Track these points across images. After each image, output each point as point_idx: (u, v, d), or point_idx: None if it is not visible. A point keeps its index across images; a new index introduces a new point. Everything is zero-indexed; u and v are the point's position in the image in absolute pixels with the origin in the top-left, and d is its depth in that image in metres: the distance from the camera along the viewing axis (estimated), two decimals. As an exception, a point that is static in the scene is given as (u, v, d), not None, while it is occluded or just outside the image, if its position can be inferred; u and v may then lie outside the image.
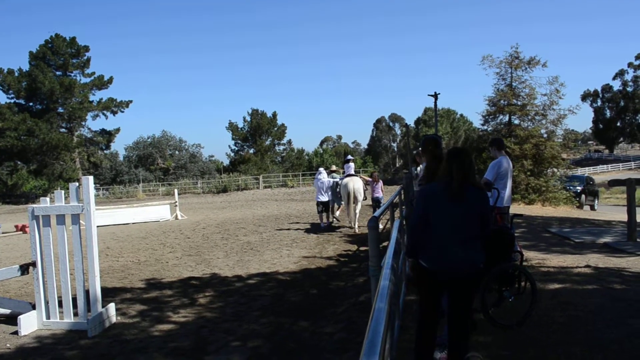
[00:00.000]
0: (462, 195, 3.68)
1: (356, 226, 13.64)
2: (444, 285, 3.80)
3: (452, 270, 3.69)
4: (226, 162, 68.88)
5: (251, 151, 64.82)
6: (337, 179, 14.81)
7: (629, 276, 7.02)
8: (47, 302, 6.16)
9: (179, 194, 22.55)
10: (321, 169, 15.17)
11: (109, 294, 7.44)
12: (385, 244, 5.55)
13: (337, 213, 15.19)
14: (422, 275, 3.82)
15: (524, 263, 7.03)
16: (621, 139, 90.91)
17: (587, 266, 7.70)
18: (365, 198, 14.39)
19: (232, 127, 65.69)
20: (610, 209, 24.44)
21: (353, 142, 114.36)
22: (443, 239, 3.68)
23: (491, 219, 3.93)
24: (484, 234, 3.82)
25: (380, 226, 5.23)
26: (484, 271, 3.78)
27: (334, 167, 17.08)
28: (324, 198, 14.45)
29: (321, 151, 70.40)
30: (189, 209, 24.92)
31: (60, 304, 6.13)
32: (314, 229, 14.52)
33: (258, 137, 64.39)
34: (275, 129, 65.71)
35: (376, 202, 14.85)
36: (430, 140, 5.47)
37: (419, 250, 3.80)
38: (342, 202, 14.37)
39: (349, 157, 15.58)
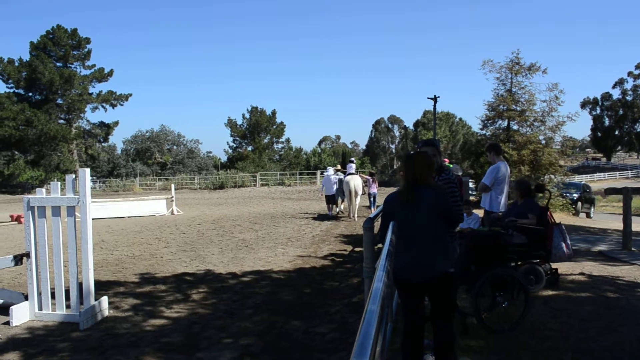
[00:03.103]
0: (415, 199, 3.62)
1: (355, 216, 16.59)
2: (417, 290, 3.72)
3: (416, 276, 3.63)
4: (224, 158, 68.98)
5: (249, 148, 64.85)
6: (341, 177, 17.30)
7: (622, 285, 7.04)
8: (39, 294, 6.14)
9: (175, 189, 22.54)
10: (329, 168, 18.68)
11: (102, 287, 7.42)
12: (380, 245, 5.55)
13: (342, 207, 18.16)
14: (395, 281, 3.80)
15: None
16: (619, 147, 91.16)
17: (582, 274, 7.73)
18: (364, 193, 17.56)
19: (231, 123, 65.75)
20: (607, 217, 24.50)
21: (352, 143, 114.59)
22: (404, 245, 3.64)
23: (455, 216, 3.86)
24: (449, 234, 3.78)
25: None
26: (453, 274, 3.71)
27: (338, 167, 19.90)
28: (331, 192, 17.28)
29: (319, 151, 70.50)
30: (185, 205, 24.90)
31: (53, 296, 6.12)
32: (310, 228, 14.54)
33: (257, 135, 64.44)
34: (274, 127, 65.78)
35: (372, 197, 18.12)
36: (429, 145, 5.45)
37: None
38: (344, 196, 17.02)
39: (352, 159, 18.82)
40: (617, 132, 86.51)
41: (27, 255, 6.11)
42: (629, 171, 75.29)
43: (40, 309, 6.13)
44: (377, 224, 4.17)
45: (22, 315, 6.00)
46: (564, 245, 6.43)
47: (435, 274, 3.62)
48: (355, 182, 16.33)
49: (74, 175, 6.19)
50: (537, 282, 6.49)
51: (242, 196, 33.17)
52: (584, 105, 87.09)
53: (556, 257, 6.44)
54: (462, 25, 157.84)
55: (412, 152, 3.98)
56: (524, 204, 6.56)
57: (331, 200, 17.52)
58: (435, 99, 35.06)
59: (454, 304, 3.89)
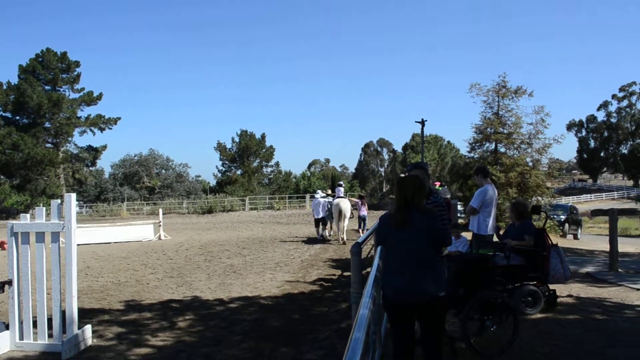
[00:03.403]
0: (405, 222, 3.63)
1: (345, 238, 16.70)
2: (408, 314, 3.71)
3: (407, 300, 3.62)
4: (213, 182, 68.77)
5: (238, 172, 64.76)
6: (330, 200, 17.73)
7: (610, 306, 7.05)
8: (21, 322, 6.02)
9: (163, 214, 22.40)
10: (318, 191, 19.16)
11: (86, 315, 7.29)
12: (368, 269, 5.52)
13: (330, 232, 18.22)
14: (385, 305, 3.78)
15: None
16: (605, 169, 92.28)
17: (569, 296, 7.73)
18: (352, 216, 17.85)
19: (220, 147, 65.75)
20: (594, 238, 24.65)
21: (341, 166, 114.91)
22: (395, 268, 3.64)
23: (444, 240, 3.86)
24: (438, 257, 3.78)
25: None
26: (444, 298, 3.70)
27: (329, 191, 20.47)
28: (320, 215, 17.38)
29: (309, 174, 70.48)
30: (173, 230, 24.70)
31: (35, 325, 5.99)
32: (299, 252, 14.46)
33: (246, 159, 64.46)
34: (264, 150, 65.87)
35: (362, 219, 18.57)
36: (418, 168, 5.46)
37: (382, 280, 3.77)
38: (333, 218, 17.24)
39: (340, 182, 19.68)
40: (602, 154, 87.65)
41: (10, 282, 5.99)
42: (615, 192, 76.13)
43: (21, 338, 6.00)
44: (365, 248, 4.16)
45: (2, 345, 5.86)
46: (561, 266, 6.47)
47: (426, 297, 3.61)
48: (344, 205, 16.63)
49: (59, 201, 6.11)
50: (535, 303, 6.50)
51: (230, 221, 33.01)
52: (569, 127, 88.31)
53: (554, 278, 6.50)
54: (450, 46, 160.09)
55: (403, 175, 4.02)
56: (521, 226, 6.62)
57: (320, 223, 17.67)
58: (422, 122, 35.36)
59: (442, 326, 3.87)
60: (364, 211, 18.69)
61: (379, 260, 3.25)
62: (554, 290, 6.91)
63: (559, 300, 7.32)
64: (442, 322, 3.86)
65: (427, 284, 3.61)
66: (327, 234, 18.04)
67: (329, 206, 17.27)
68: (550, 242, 6.62)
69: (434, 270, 3.67)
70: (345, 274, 10.61)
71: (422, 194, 3.81)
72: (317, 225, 17.88)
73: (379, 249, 3.54)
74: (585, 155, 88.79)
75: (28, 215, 6.40)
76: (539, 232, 6.58)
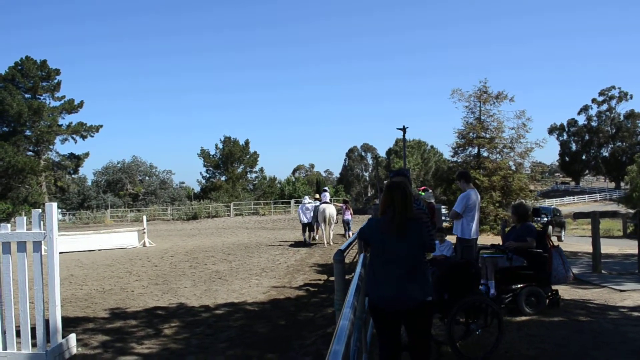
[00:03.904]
0: (404, 229, 3.67)
1: (331, 242, 17.51)
2: (395, 320, 3.73)
3: (395, 306, 3.64)
4: (197, 189, 68.37)
5: (222, 178, 64.50)
6: (317, 204, 18.12)
7: (593, 308, 7.13)
8: (4, 332, 5.92)
9: (147, 221, 22.24)
10: (306, 197, 19.91)
11: (70, 323, 7.21)
12: (352, 275, 5.53)
13: (317, 236, 18.79)
14: (372, 311, 3.80)
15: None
16: (587, 171, 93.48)
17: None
18: (337, 221, 18.82)
19: (203, 154, 65.50)
20: (577, 240, 24.90)
21: (325, 171, 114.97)
22: (385, 274, 3.65)
23: (430, 246, 3.93)
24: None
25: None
26: (431, 303, 3.75)
27: (317, 196, 20.54)
28: (306, 220, 18.02)
29: (293, 179, 70.38)
30: (158, 236, 24.51)
31: (18, 334, 5.91)
32: (285, 257, 14.44)
33: (230, 165, 64.23)
34: (248, 156, 65.73)
35: (346, 224, 19.55)
36: (400, 175, 5.47)
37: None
38: (319, 223, 17.74)
39: (325, 188, 21.19)
40: (584, 157, 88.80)
41: (-9, 292, 5.90)
42: (597, 194, 77.19)
43: (4, 348, 5.91)
44: (351, 253, 4.18)
45: (-15, 355, 5.77)
46: (563, 267, 6.60)
47: (415, 303, 3.64)
48: (330, 210, 17.36)
49: (40, 210, 6.04)
50: (538, 303, 6.60)
51: (215, 226, 32.84)
52: (551, 131, 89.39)
53: (556, 279, 6.65)
54: (430, 50, 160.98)
55: (395, 181, 4.04)
56: (523, 228, 6.76)
57: (307, 227, 18.30)
58: (404, 129, 35.47)
59: (428, 332, 3.89)
60: (348, 215, 19.52)
61: (362, 268, 3.25)
62: (557, 291, 7.03)
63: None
64: (429, 327, 3.89)
65: (416, 289, 3.64)
66: (314, 236, 18.72)
67: (316, 211, 17.77)
68: (551, 243, 6.78)
69: (422, 276, 3.71)
70: (331, 278, 10.60)
71: (412, 201, 3.85)
72: (304, 230, 18.48)
73: (361, 256, 3.55)
74: (567, 159, 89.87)
75: (9, 225, 6.32)
76: (540, 234, 6.74)
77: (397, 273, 3.64)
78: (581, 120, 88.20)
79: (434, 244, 4.03)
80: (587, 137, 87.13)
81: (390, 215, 3.71)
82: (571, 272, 6.89)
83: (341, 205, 19.91)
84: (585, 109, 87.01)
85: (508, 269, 6.59)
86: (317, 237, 18.87)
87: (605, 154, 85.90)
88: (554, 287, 7.01)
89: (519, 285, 6.63)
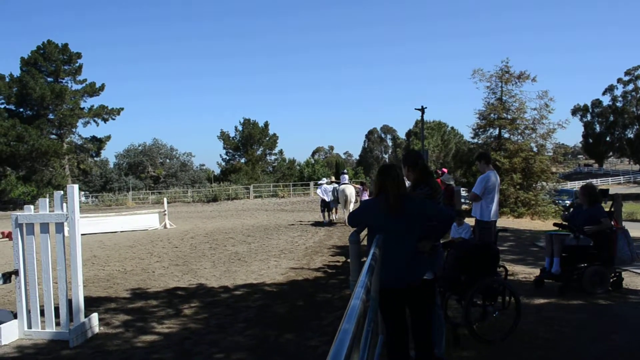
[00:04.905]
0: (401, 209, 3.68)
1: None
2: (396, 299, 3.74)
3: (395, 283, 3.68)
4: (217, 171, 68.85)
5: (242, 161, 64.76)
6: (335, 186, 18.70)
7: (613, 292, 7.05)
8: (29, 312, 6.08)
9: (168, 203, 22.47)
10: (323, 179, 21.16)
11: (93, 303, 7.36)
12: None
13: (335, 216, 19.41)
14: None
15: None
16: (610, 153, 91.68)
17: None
18: (356, 201, 18.85)
19: (223, 136, 65.73)
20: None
21: (345, 153, 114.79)
22: (386, 254, 3.66)
23: (446, 215, 3.93)
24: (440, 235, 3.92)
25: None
26: (432, 282, 3.80)
27: (332, 178, 21.35)
28: (327, 198, 18.63)
29: (313, 162, 70.37)
30: (178, 218, 24.79)
31: (42, 314, 6.06)
32: (303, 239, 14.50)
33: (249, 147, 64.41)
34: (267, 138, 65.79)
35: None
36: (419, 156, 5.37)
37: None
38: (339, 204, 18.45)
39: (345, 170, 22.34)
40: (608, 139, 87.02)
41: (16, 272, 6.06)
42: (621, 177, 75.77)
43: (29, 327, 6.07)
44: (362, 236, 4.18)
45: (11, 333, 5.94)
46: (628, 248, 6.63)
47: (414, 281, 3.69)
48: (349, 190, 17.94)
49: (62, 192, 6.15)
50: (601, 283, 6.66)
51: (235, 209, 33.08)
52: (574, 112, 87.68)
53: (620, 260, 6.71)
54: (453, 34, 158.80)
55: (387, 164, 4.07)
56: (594, 210, 6.87)
57: (326, 207, 18.97)
58: (422, 110, 34.99)
59: (430, 313, 3.90)
60: (366, 196, 19.51)
61: (375, 248, 3.25)
62: (620, 272, 7.11)
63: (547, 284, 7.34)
64: (431, 307, 3.95)
65: (416, 267, 3.72)
66: (334, 217, 19.32)
67: (336, 193, 18.38)
68: (618, 224, 6.84)
69: (421, 254, 3.77)
70: (349, 260, 10.64)
71: (404, 183, 3.90)
72: (323, 210, 19.12)
73: (375, 239, 3.55)
74: (590, 140, 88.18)
75: (32, 207, 6.46)
76: (608, 215, 6.92)
77: (395, 252, 3.67)
78: (606, 100, 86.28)
79: (450, 213, 4.05)
80: (611, 118, 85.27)
81: (385, 197, 3.73)
82: (636, 253, 6.99)
83: (359, 186, 19.96)
84: (610, 89, 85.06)
85: (574, 248, 6.76)
86: (335, 218, 19.43)
87: (630, 135, 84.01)
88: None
89: (584, 265, 6.77)
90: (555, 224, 7.34)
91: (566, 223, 7.14)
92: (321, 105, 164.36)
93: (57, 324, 6.03)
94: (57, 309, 6.02)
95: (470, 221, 7.61)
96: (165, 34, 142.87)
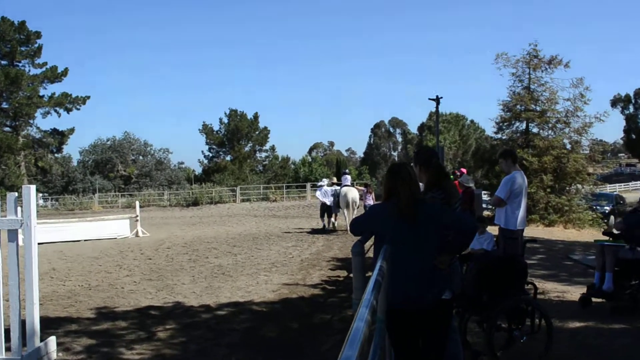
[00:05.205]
0: (414, 215, 3.63)
1: None
2: (405, 322, 3.70)
3: (409, 305, 3.63)
4: (198, 170, 68.87)
5: (228, 158, 64.81)
6: (336, 189, 18.96)
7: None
8: (-26, 334, 6.03)
9: (141, 207, 22.49)
10: (324, 179, 21.28)
11: (50, 325, 7.32)
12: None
13: (336, 222, 19.60)
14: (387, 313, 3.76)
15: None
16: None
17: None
18: (360, 206, 19.25)
19: (206, 129, 65.78)
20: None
21: (347, 150, 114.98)
22: (395, 268, 3.62)
23: (469, 224, 3.89)
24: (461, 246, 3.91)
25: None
26: (449, 302, 3.75)
27: (334, 179, 21.67)
28: (327, 201, 18.75)
29: (310, 159, 70.44)
30: (153, 225, 24.77)
31: (-9, 337, 6.01)
32: (299, 250, 14.49)
33: (236, 142, 64.46)
34: (257, 133, 65.88)
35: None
36: (432, 154, 5.33)
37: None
38: (339, 209, 18.61)
39: (346, 170, 22.11)
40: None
41: (-39, 288, 6.00)
42: (670, 178, 75.86)
43: (-26, 352, 6.02)
44: (367, 246, 4.15)
45: (-47, 360, 5.89)
46: None
47: (428, 301, 3.64)
48: (352, 194, 18.11)
49: (16, 194, 6.10)
50: None
51: (219, 214, 33.08)
52: (614, 103, 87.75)
53: None
54: (473, 20, 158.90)
55: (397, 163, 4.07)
56: None
57: (327, 211, 19.23)
58: (437, 100, 34.72)
59: (445, 337, 3.86)
60: (371, 200, 19.51)
61: (382, 261, 3.21)
62: None
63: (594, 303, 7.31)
64: (448, 331, 3.93)
65: (432, 284, 3.66)
66: (333, 223, 19.48)
67: (337, 197, 18.47)
68: None
69: (439, 270, 3.72)
70: (352, 275, 10.61)
71: (418, 184, 3.89)
72: (322, 215, 19.45)
73: (381, 250, 3.50)
74: (633, 136, 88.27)
75: (-19, 211, 6.41)
76: None
77: (407, 266, 3.63)
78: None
79: (473, 222, 4.01)
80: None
81: (395, 202, 3.69)
82: None
83: (362, 189, 20.25)
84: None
85: (630, 261, 6.71)
86: (336, 224, 19.45)
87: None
88: None
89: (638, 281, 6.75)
90: (605, 233, 7.29)
91: (619, 232, 7.11)
92: (319, 94, 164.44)
93: (8, 349, 5.97)
94: (7, 332, 5.96)
95: (493, 230, 7.57)
96: (140, 13, 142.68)
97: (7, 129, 53.62)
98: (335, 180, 21.42)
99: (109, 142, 63.10)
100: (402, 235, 3.64)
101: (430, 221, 3.68)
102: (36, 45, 54.42)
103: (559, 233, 19.62)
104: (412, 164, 4.41)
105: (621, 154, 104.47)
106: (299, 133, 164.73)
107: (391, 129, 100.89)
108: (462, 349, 4.55)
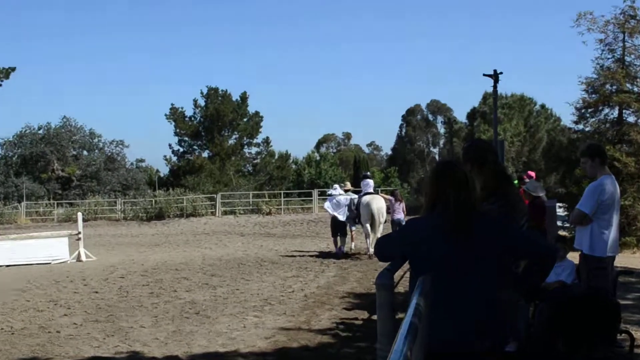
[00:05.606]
0: (467, 233, 3.57)
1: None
2: None
3: (456, 348, 3.58)
4: (164, 171, 69.10)
5: (205, 155, 64.94)
6: (354, 197, 19.01)
7: None
8: None
9: (85, 220, 22.55)
10: (336, 186, 21.16)
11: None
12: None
13: (353, 244, 20.11)
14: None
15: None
16: None
17: None
18: (387, 221, 19.35)
19: (175, 114, 65.79)
20: None
21: (369, 145, 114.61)
22: (440, 301, 3.57)
23: (547, 250, 3.85)
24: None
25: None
26: (510, 356, 3.73)
27: (348, 185, 21.52)
28: (340, 216, 18.69)
29: (317, 158, 70.52)
30: (101, 245, 24.87)
31: None
32: (301, 282, 14.48)
33: (217, 133, 64.52)
34: (245, 119, 65.90)
35: (397, 225, 18.94)
36: (487, 149, 5.32)
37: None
38: (359, 225, 18.88)
39: (367, 173, 22.22)
40: None
41: None
42: None
43: None
44: (397, 276, 4.14)
45: None
46: None
47: (483, 345, 3.60)
48: (378, 203, 18.20)
49: None
50: None
51: (192, 231, 33.15)
52: None
53: None
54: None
55: (444, 161, 4.02)
56: None
57: (340, 230, 19.16)
58: (495, 76, 34.59)
59: None
60: (401, 213, 19.55)
61: (419, 297, 3.17)
62: None
63: None
64: None
65: (489, 325, 3.61)
66: (351, 245, 19.69)
67: (354, 208, 18.27)
68: None
69: (492, 307, 3.65)
70: (374, 317, 10.61)
71: (474, 189, 3.80)
72: (334, 235, 19.35)
73: (419, 281, 3.48)
74: None
75: None
76: None
77: (456, 298, 3.58)
78: None
79: (551, 246, 3.98)
80: None
81: (441, 211, 3.65)
82: None
83: (390, 197, 20.16)
84: None
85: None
86: (352, 247, 19.51)
87: None
88: None
89: None
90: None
91: None
92: (331, 70, 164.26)
93: None
94: None
95: (572, 257, 7.55)
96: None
97: None
98: (349, 186, 21.21)
99: (41, 132, 63.44)
100: (450, 259, 3.59)
101: (490, 242, 3.61)
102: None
103: (663, 262, 19.53)
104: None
105: None
106: (302, 121, 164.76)
107: (430, 117, 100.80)
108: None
